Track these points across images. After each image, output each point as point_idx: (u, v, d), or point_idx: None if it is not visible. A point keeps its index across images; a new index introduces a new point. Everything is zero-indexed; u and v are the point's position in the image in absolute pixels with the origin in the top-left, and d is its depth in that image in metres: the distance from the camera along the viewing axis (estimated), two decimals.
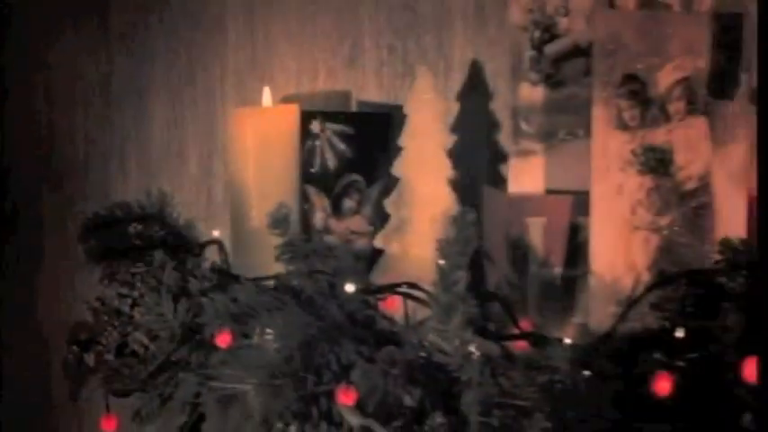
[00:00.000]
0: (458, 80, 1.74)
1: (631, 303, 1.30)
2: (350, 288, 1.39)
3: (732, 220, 1.46)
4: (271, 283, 1.46)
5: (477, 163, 1.70)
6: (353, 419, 1.36)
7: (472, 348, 1.32)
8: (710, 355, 1.21)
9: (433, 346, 1.35)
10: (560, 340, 1.29)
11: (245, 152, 1.66)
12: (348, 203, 1.73)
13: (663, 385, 1.19)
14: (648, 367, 1.22)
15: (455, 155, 1.64)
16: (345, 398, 1.34)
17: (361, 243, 1.72)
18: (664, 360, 1.22)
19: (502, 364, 1.30)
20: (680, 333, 1.24)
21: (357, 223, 1.73)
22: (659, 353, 1.24)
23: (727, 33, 1.50)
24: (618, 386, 1.21)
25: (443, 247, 1.33)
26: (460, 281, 1.31)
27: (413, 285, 1.41)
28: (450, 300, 1.32)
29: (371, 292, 1.43)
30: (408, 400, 1.35)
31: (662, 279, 1.30)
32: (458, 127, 1.68)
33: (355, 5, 1.85)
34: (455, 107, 1.70)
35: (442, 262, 1.32)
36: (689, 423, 1.20)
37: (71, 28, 2.19)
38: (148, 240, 1.58)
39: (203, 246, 1.59)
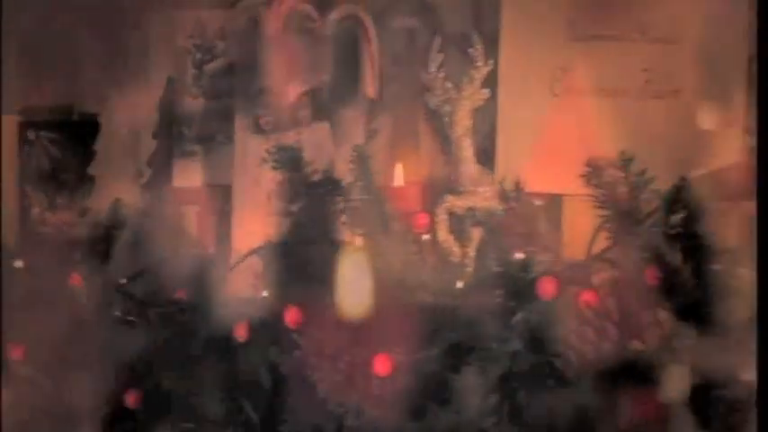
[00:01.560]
0: (157, 95, 2.01)
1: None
2: (18, 264, 1.71)
3: None
4: None
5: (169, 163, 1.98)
6: None
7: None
8: None
9: None
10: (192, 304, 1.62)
11: None
12: (60, 200, 2.01)
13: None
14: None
15: (155, 158, 1.96)
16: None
17: (72, 232, 2.00)
18: None
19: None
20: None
21: (68, 216, 2.02)
22: None
23: (345, 52, 1.80)
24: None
25: None
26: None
27: None
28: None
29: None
30: None
31: (253, 250, 1.62)
32: (157, 134, 1.99)
33: (76, 31, 2.13)
34: (156, 117, 2.01)
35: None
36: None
37: None
38: None
39: None
